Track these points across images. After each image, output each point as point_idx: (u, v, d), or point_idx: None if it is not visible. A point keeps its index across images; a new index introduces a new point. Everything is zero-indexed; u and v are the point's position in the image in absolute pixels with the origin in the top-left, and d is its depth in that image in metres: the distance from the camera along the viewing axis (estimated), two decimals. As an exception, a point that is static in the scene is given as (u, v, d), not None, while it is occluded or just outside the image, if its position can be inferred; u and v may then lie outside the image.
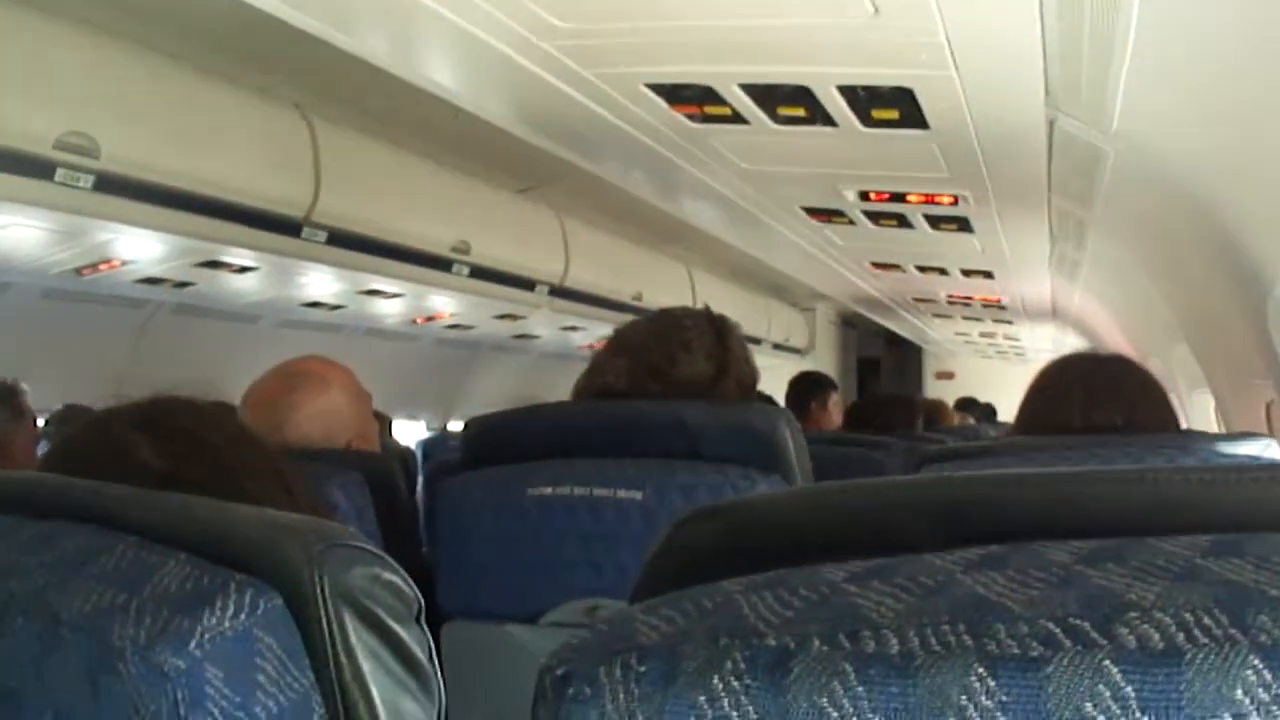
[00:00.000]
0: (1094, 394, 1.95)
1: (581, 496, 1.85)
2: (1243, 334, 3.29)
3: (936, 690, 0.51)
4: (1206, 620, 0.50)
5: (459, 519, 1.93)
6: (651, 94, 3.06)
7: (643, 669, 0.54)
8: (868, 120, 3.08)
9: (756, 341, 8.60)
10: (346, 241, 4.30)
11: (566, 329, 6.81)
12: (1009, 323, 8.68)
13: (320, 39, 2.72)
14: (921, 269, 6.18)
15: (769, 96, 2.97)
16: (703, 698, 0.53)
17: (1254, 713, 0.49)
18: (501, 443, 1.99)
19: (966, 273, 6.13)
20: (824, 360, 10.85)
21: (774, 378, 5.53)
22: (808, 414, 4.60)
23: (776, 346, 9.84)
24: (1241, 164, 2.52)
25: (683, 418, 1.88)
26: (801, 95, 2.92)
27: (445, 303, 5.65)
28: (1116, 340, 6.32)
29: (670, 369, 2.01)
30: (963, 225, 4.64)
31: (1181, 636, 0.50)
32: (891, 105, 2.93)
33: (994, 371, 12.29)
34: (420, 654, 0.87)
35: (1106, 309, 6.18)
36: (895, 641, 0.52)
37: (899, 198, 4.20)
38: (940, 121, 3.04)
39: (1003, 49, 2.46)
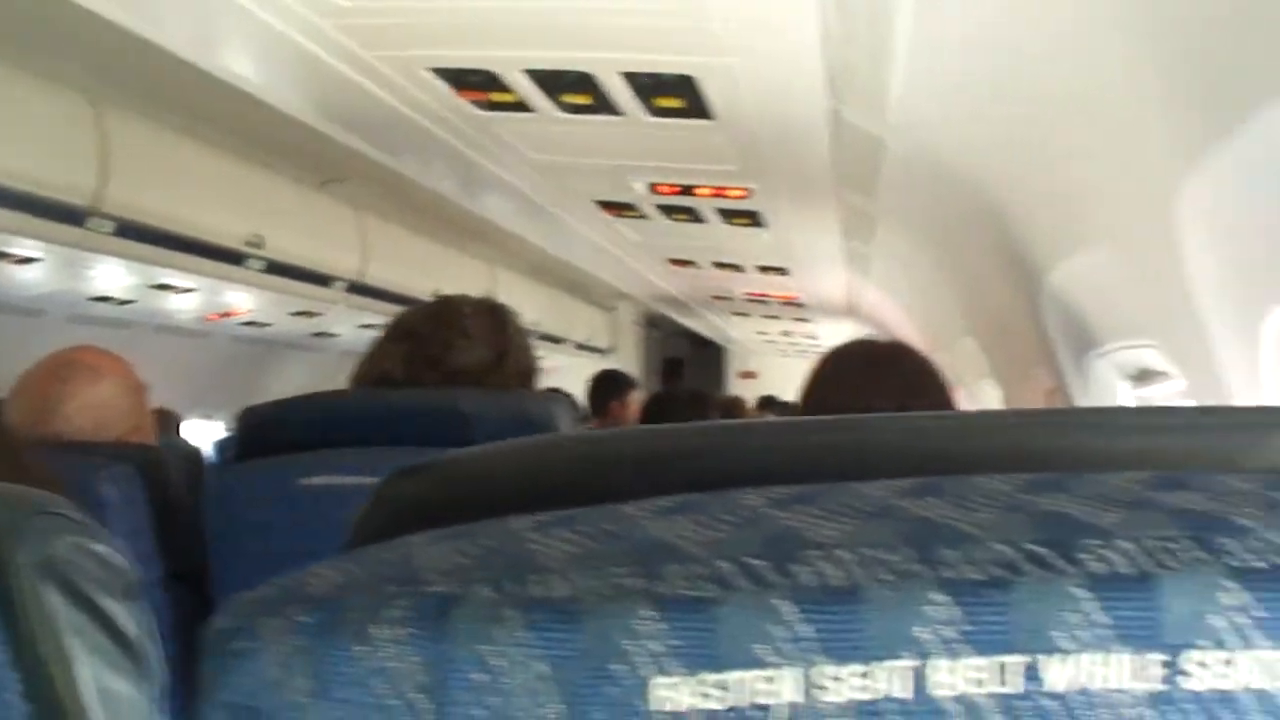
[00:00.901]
0: (871, 380, 1.98)
1: (354, 487, 1.79)
2: (1022, 324, 3.39)
3: (601, 634, 0.48)
4: (890, 556, 0.50)
5: (231, 512, 1.88)
6: (435, 79, 3.00)
7: (304, 619, 0.51)
8: (652, 109, 3.07)
9: (559, 341, 8.62)
10: (136, 233, 4.15)
11: (365, 327, 6.70)
12: (807, 320, 8.83)
13: (111, 22, 2.61)
14: (718, 265, 6.22)
15: (553, 83, 2.94)
16: (363, 647, 0.50)
17: (937, 650, 0.48)
18: (275, 433, 1.95)
19: (762, 269, 6.20)
20: (628, 360, 10.90)
21: (578, 377, 5.56)
22: (607, 411, 4.62)
23: (580, 346, 9.87)
24: (1013, 154, 2.59)
25: (458, 405, 1.86)
26: (585, 82, 2.89)
27: (241, 298, 5.51)
28: (909, 335, 6.46)
29: (448, 356, 1.99)
30: (754, 220, 4.66)
31: (862, 572, 0.49)
32: (675, 93, 2.92)
33: (796, 370, 12.39)
34: (133, 631, 0.82)
35: (898, 304, 6.32)
36: (563, 586, 0.50)
37: (688, 190, 4.20)
38: (724, 111, 3.04)
39: (779, 35, 2.46)
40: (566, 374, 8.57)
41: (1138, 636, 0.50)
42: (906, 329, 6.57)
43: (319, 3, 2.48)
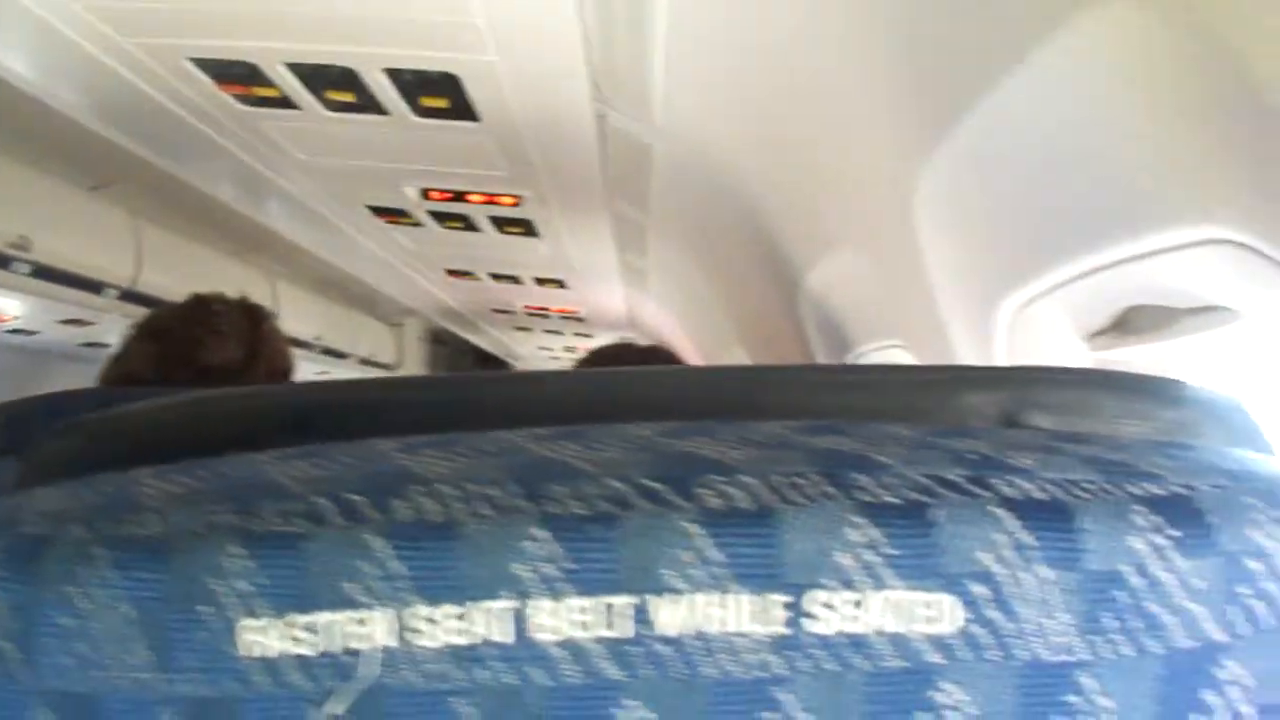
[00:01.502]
0: None
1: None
2: (785, 331, 3.44)
3: (189, 574, 0.47)
4: (493, 491, 0.49)
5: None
6: (197, 71, 2.91)
7: None
8: (418, 109, 3.03)
9: (343, 356, 8.48)
10: (-113, 233, 3.95)
11: (142, 337, 6.47)
12: (589, 335, 8.83)
13: None
14: (496, 277, 6.17)
15: (317, 79, 2.87)
16: None
17: (538, 589, 0.47)
18: (20, 433, 1.87)
19: (540, 281, 6.16)
20: (412, 376, 10.79)
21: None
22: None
23: (364, 361, 9.72)
24: (768, 156, 2.62)
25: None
26: (349, 79, 2.84)
27: (5, 304, 5.28)
28: (685, 348, 6.50)
29: (198, 354, 1.94)
30: (528, 229, 4.63)
31: (461, 508, 0.48)
32: (440, 93, 2.88)
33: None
34: None
35: (675, 318, 6.35)
36: (156, 524, 0.48)
37: (460, 197, 4.15)
38: (490, 113, 3.02)
39: (540, 32, 2.45)
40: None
41: (756, 576, 0.48)
42: (683, 341, 6.61)
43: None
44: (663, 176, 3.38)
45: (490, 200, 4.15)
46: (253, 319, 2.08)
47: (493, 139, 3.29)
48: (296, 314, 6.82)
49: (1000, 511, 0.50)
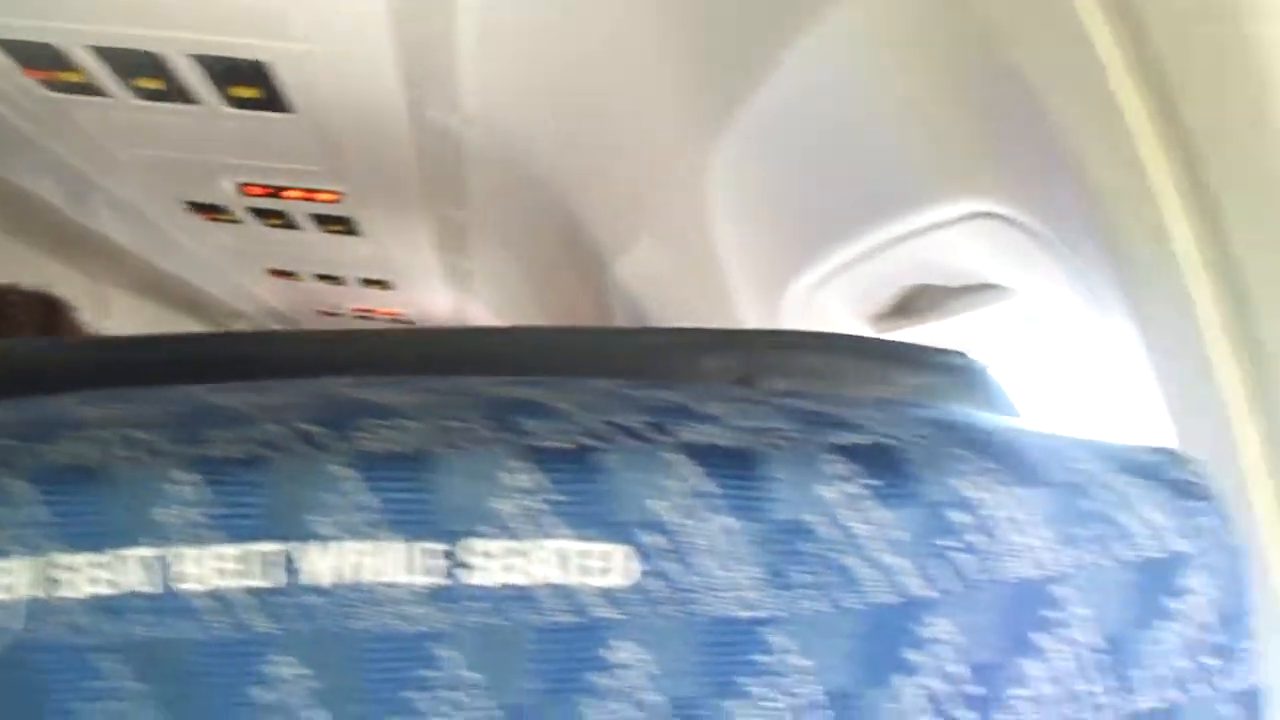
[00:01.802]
0: None
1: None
2: (596, 325, 3.44)
3: None
4: (146, 435, 0.48)
5: None
6: (-1, 53, 2.81)
7: None
8: (230, 99, 2.97)
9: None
10: None
11: (-46, 342, 6.22)
12: (418, 341, 8.70)
13: None
14: (320, 277, 6.05)
15: (122, 64, 2.79)
16: None
17: (183, 536, 0.46)
18: None
19: (365, 282, 6.05)
20: (239, 381, 10.54)
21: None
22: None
23: (189, 365, 9.47)
24: (572, 144, 2.62)
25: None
26: (156, 65, 2.76)
27: None
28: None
29: None
30: (349, 227, 4.54)
31: (111, 452, 0.47)
32: (251, 82, 2.83)
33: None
34: None
35: (500, 320, 6.28)
36: None
37: (277, 192, 4.04)
38: (304, 104, 2.98)
39: (349, 18, 2.43)
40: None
41: (411, 522, 0.47)
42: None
43: None
44: (479, 172, 3.37)
45: (308, 196, 4.05)
46: (50, 310, 2.03)
47: (308, 132, 3.23)
48: (126, 318, 6.65)
49: (678, 457, 0.49)
